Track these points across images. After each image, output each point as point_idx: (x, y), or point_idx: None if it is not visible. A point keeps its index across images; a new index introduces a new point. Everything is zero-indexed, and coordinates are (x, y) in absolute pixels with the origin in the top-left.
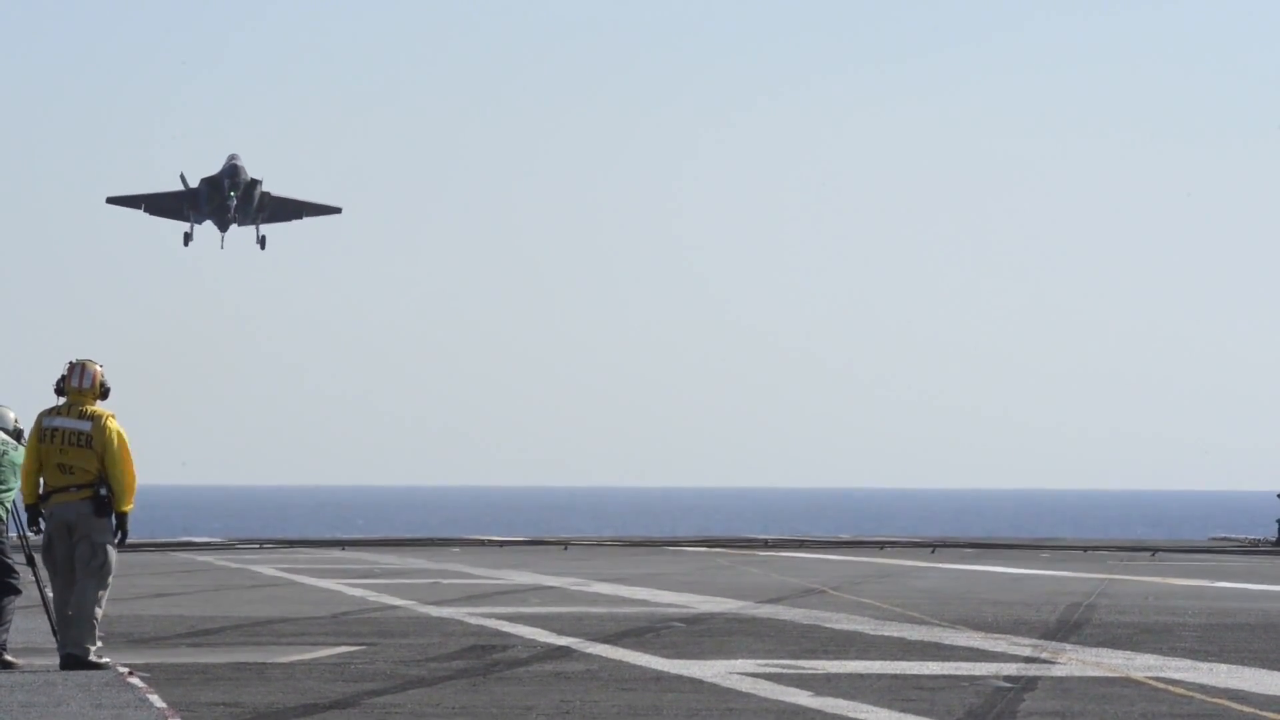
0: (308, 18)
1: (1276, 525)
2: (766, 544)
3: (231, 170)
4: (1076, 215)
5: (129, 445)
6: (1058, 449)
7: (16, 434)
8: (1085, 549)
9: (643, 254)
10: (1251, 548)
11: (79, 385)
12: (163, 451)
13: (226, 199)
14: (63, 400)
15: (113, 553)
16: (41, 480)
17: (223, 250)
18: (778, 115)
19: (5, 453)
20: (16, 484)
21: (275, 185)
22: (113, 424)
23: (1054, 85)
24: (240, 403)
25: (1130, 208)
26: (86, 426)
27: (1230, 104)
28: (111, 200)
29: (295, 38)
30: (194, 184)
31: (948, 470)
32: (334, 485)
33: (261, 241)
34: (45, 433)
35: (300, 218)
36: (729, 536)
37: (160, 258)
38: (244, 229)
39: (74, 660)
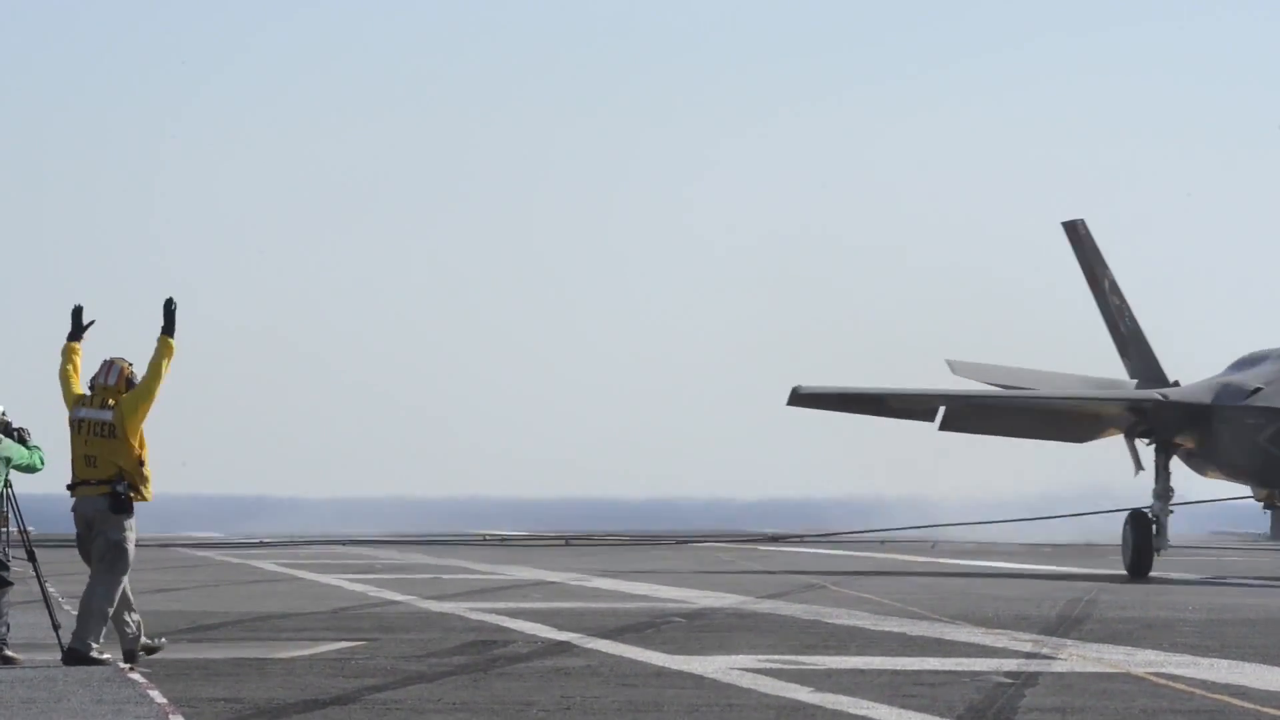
0: (316, 20)
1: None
2: (767, 538)
3: None
4: (1074, 214)
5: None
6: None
7: (5, 428)
8: (1087, 544)
9: (655, 257)
10: (1251, 543)
11: (105, 381)
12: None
13: None
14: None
15: (129, 550)
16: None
17: None
18: (793, 124)
19: None
20: (6, 473)
21: None
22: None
23: (1055, 86)
24: (236, 406)
25: (1130, 208)
26: (109, 415)
27: (1230, 104)
28: (802, 399)
29: (303, 41)
30: None
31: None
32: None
33: None
34: (74, 424)
35: None
36: (730, 531)
37: None
38: None
39: (75, 655)
